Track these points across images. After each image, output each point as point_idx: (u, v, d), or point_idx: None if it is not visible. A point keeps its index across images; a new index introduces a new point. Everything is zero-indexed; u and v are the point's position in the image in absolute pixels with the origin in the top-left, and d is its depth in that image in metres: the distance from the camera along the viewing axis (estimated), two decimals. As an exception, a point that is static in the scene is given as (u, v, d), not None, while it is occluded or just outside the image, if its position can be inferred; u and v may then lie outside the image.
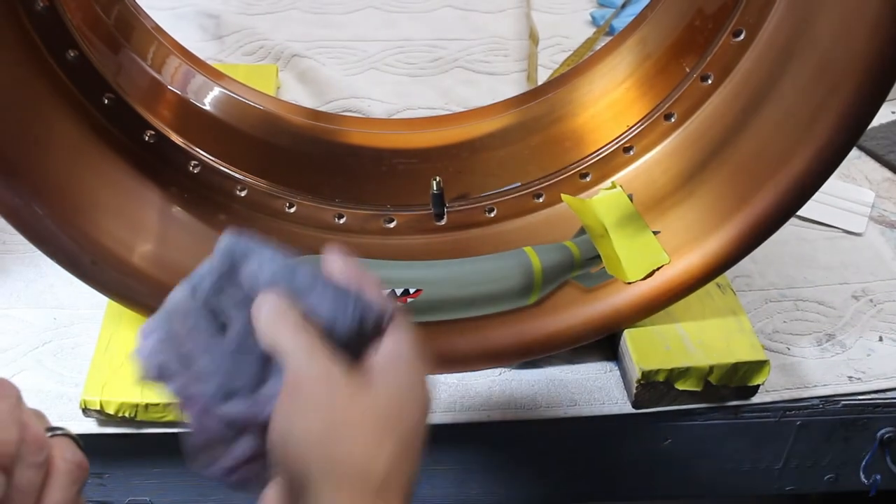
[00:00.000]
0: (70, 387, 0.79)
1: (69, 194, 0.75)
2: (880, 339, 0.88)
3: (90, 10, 0.77)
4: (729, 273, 0.84)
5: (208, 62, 0.91)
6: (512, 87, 1.16)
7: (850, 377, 0.85)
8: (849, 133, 0.74)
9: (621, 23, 1.25)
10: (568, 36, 1.25)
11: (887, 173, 1.09)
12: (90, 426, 0.77)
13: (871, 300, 0.92)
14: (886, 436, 0.85)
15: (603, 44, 1.22)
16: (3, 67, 0.69)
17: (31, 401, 0.76)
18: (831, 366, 0.86)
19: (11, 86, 0.70)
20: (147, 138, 0.79)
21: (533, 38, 1.23)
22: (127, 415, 0.76)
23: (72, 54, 0.73)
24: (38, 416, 0.55)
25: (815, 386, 0.84)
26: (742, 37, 0.77)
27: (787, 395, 0.83)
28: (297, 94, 1.13)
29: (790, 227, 0.92)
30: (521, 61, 1.21)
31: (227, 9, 1.25)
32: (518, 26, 1.27)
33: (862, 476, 0.87)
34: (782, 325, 0.89)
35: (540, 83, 1.15)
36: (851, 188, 1.04)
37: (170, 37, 0.87)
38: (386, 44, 1.22)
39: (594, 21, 1.28)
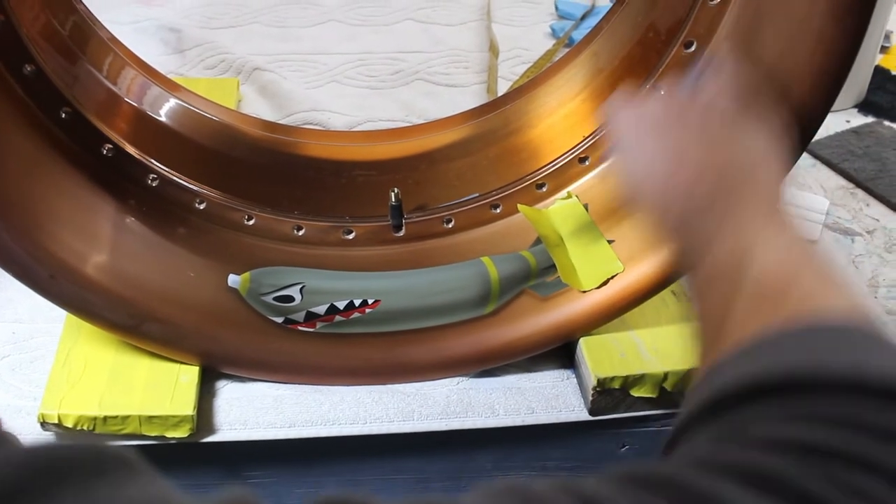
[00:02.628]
0: (28, 400, 0.79)
1: (26, 209, 0.75)
2: (833, 344, 0.90)
3: (45, 22, 0.78)
4: (682, 281, 0.85)
5: (170, 76, 0.91)
6: (472, 98, 1.17)
7: (803, 382, 0.86)
8: (795, 144, 0.75)
9: (581, 35, 1.26)
10: (528, 48, 1.26)
11: (841, 181, 1.11)
12: (49, 440, 0.77)
13: (823, 306, 0.93)
14: (839, 439, 0.87)
15: (562, 55, 1.24)
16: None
17: (-12, 415, 0.77)
18: (785, 371, 0.87)
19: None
20: (105, 152, 0.79)
21: (493, 50, 1.24)
22: (85, 428, 0.76)
23: (28, 69, 0.73)
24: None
25: (769, 391, 0.85)
26: (693, 48, 0.78)
27: (741, 401, 0.84)
28: (258, 108, 1.13)
29: (745, 235, 0.93)
30: (482, 73, 1.22)
31: (189, 23, 1.26)
32: (478, 39, 1.28)
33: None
34: (737, 331, 0.90)
35: (500, 95, 1.17)
36: (806, 196, 1.06)
37: (125, 48, 0.87)
38: (347, 56, 1.23)
39: (554, 33, 1.30)
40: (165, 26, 1.24)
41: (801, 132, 0.75)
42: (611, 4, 1.33)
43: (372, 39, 1.27)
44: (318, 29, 1.28)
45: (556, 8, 1.34)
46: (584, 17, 1.31)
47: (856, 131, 1.17)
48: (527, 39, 1.29)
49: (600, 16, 1.29)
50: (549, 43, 1.28)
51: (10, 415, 0.78)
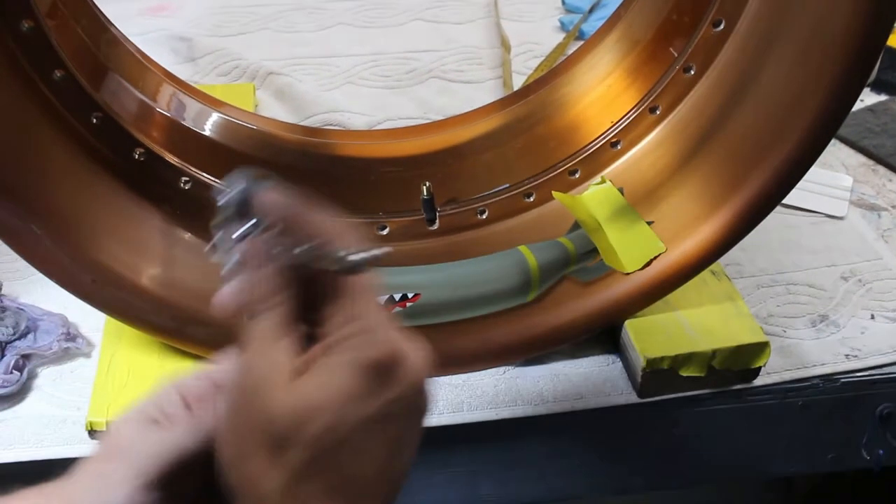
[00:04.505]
0: (72, 410, 0.78)
1: (65, 214, 0.74)
2: (872, 316, 0.90)
3: (77, 39, 0.77)
4: (720, 261, 0.85)
5: (185, 84, 0.91)
6: (488, 94, 1.17)
7: (846, 355, 0.86)
8: (832, 116, 0.75)
9: (590, 27, 1.27)
10: (539, 42, 1.26)
11: (862, 158, 1.11)
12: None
13: (859, 280, 0.94)
14: (885, 411, 0.87)
15: (573, 48, 1.24)
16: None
17: (32, 427, 0.76)
18: (828, 345, 0.87)
19: (1, 109, 0.70)
20: (137, 156, 0.78)
21: (505, 45, 1.24)
22: (134, 434, 0.75)
23: (58, 74, 0.72)
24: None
25: (814, 366, 0.85)
26: (722, 26, 0.78)
27: (787, 376, 0.84)
28: (275, 111, 1.12)
29: (775, 215, 0.93)
30: (495, 69, 1.22)
31: (198, 31, 1.25)
32: (489, 35, 1.28)
33: (864, 453, 0.88)
34: (776, 308, 0.90)
35: (518, 88, 1.17)
36: (830, 174, 1.06)
37: (155, 62, 0.87)
38: (359, 58, 1.22)
39: (563, 27, 1.30)
40: (175, 36, 1.24)
41: (837, 109, 0.75)
42: (616, -4, 1.34)
43: (382, 40, 1.26)
44: (328, 32, 1.28)
45: (563, 2, 1.34)
46: (591, 10, 1.31)
47: (871, 109, 1.17)
48: (536, 34, 1.29)
49: (609, 7, 1.30)
50: (559, 37, 1.28)
51: (55, 426, 0.77)
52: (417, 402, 0.46)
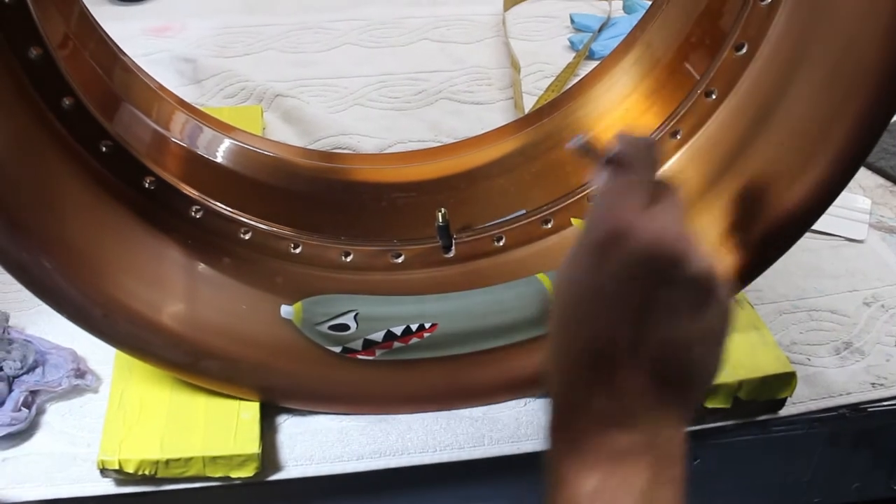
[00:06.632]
0: (82, 447, 0.76)
1: (74, 246, 0.72)
2: (896, 343, 0.88)
3: (87, 67, 0.76)
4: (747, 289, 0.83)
5: (191, 107, 0.89)
6: (499, 115, 1.15)
7: (872, 384, 0.84)
8: (861, 144, 0.74)
9: (600, 46, 1.25)
10: (548, 62, 1.25)
11: (879, 180, 1.10)
12: (107, 487, 0.74)
13: (882, 305, 0.92)
14: (912, 441, 0.85)
15: (584, 67, 1.23)
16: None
17: (42, 465, 0.74)
18: (853, 374, 0.85)
19: (8, 137, 0.68)
20: (147, 185, 0.76)
21: (514, 65, 1.23)
22: (147, 472, 0.73)
23: (67, 102, 0.70)
24: None
25: (840, 395, 0.83)
26: (744, 50, 0.76)
27: (813, 406, 0.83)
28: (283, 134, 1.11)
29: (795, 239, 0.92)
30: (506, 89, 1.20)
31: (203, 52, 1.24)
32: (497, 55, 1.27)
33: (891, 482, 0.87)
34: (799, 335, 0.89)
35: (527, 110, 1.15)
36: (848, 196, 1.05)
37: (167, 90, 0.85)
38: (367, 79, 1.21)
39: (573, 46, 1.28)
40: (179, 57, 1.22)
41: (868, 134, 0.74)
42: (626, 15, 1.33)
43: (390, 61, 1.25)
44: (334, 53, 1.26)
45: (572, 21, 1.33)
46: (601, 29, 1.30)
47: (888, 129, 1.15)
48: (546, 53, 1.27)
49: (619, 27, 1.29)
50: (569, 56, 1.27)
51: (65, 463, 0.75)
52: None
